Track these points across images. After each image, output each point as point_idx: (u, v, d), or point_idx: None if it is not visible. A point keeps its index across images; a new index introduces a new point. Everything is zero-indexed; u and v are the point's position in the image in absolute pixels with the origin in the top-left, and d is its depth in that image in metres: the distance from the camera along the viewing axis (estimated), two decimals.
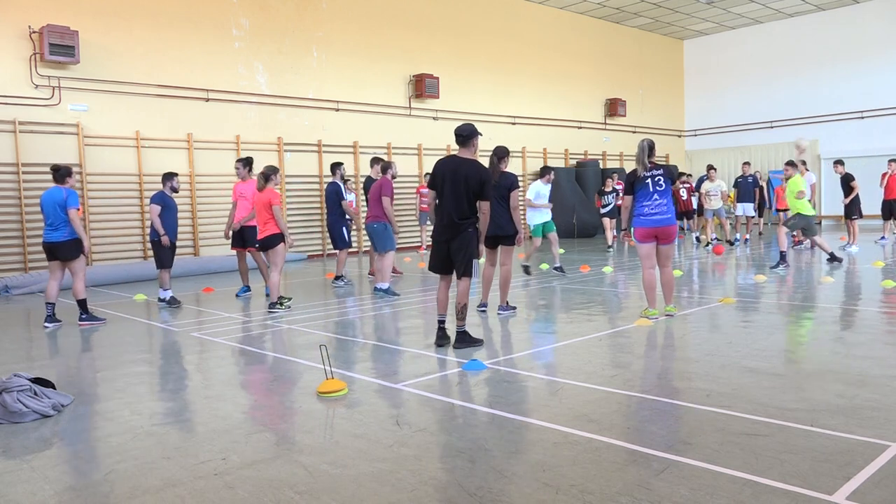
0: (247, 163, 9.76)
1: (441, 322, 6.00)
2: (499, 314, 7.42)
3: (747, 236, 16.10)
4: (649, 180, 6.90)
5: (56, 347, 6.62)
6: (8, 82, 12.10)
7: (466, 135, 5.95)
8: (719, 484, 2.95)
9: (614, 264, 12.21)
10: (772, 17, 23.21)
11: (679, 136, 26.16)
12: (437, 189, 6.00)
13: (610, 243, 15.26)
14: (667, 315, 7.03)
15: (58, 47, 12.09)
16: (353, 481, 3.15)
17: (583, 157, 22.18)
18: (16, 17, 12.12)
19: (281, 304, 8.31)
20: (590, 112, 22.72)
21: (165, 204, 9.03)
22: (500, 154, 7.34)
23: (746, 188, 16.09)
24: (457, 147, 6.07)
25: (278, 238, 8.24)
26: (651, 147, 6.97)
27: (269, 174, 8.35)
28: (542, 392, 4.55)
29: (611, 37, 23.28)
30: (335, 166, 10.67)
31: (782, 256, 10.69)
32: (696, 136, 26.30)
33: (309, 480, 3.18)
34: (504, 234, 7.20)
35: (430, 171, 6.19)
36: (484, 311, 7.56)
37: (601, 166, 21.88)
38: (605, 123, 23.24)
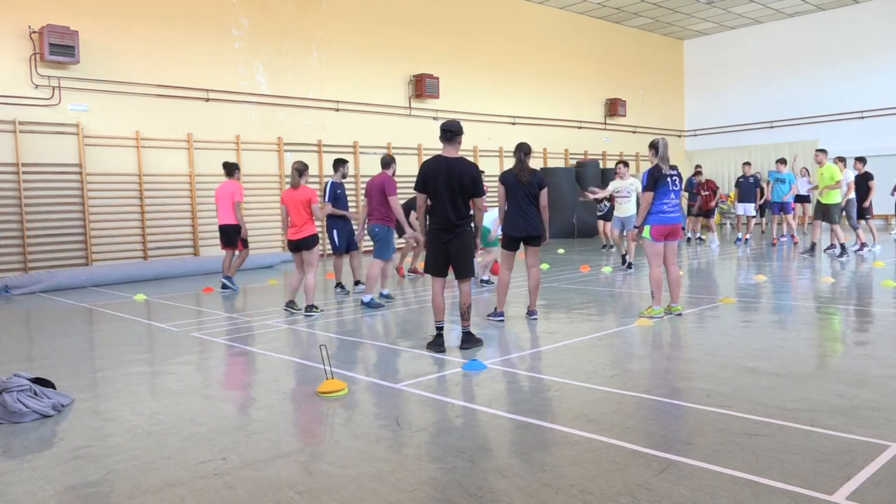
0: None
1: (440, 329, 5.88)
2: (534, 318, 7.11)
3: (748, 236, 16.12)
4: (669, 179, 6.96)
5: (56, 347, 6.61)
6: (8, 82, 12.10)
7: (456, 130, 5.86)
8: (719, 484, 2.95)
9: (613, 263, 12.19)
10: (772, 17, 23.21)
11: (679, 136, 26.15)
12: (429, 192, 5.83)
13: (610, 243, 14.87)
14: (675, 314, 7.06)
15: (58, 47, 12.08)
16: (353, 481, 3.15)
17: (583, 157, 22.17)
18: (16, 17, 12.11)
19: (316, 308, 7.95)
20: (590, 112, 22.72)
21: None
22: (527, 150, 6.96)
23: (747, 188, 16.16)
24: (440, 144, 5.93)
25: (315, 238, 7.97)
26: (667, 145, 7.11)
27: (304, 170, 7.98)
28: (542, 392, 4.55)
29: (611, 37, 23.28)
30: (337, 163, 9.73)
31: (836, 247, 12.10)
32: (696, 136, 26.30)
33: (309, 480, 3.18)
34: (536, 234, 6.96)
35: (418, 173, 5.92)
36: (501, 320, 7.05)
37: (601, 166, 21.87)
38: (605, 123, 23.24)
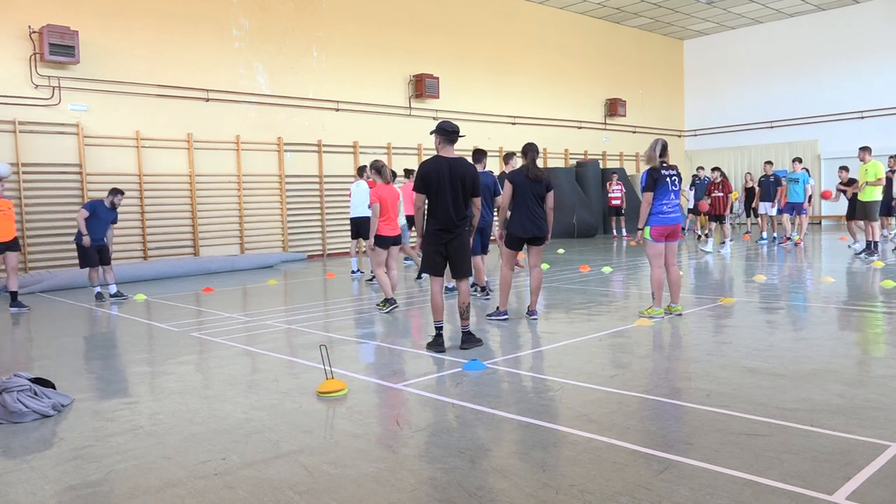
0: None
1: (439, 329, 5.88)
2: (534, 318, 7.13)
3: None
4: (668, 179, 6.96)
5: (57, 347, 6.61)
6: (8, 82, 12.10)
7: (458, 131, 5.87)
8: (719, 484, 2.95)
9: (613, 263, 12.20)
10: (772, 17, 23.22)
11: (679, 136, 26.16)
12: (430, 191, 5.80)
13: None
14: (676, 315, 7.06)
15: (58, 47, 12.08)
16: (353, 481, 3.15)
17: (583, 157, 22.18)
18: (16, 17, 12.11)
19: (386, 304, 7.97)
20: (590, 112, 22.72)
21: (95, 212, 9.78)
22: (537, 150, 6.93)
23: (769, 188, 15.98)
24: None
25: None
26: (666, 145, 7.09)
27: (381, 167, 8.23)
28: (542, 392, 4.54)
29: (611, 37, 23.29)
30: (480, 155, 8.65)
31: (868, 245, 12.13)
32: (695, 136, 26.30)
33: (309, 480, 3.18)
34: (542, 234, 6.97)
35: (418, 173, 5.89)
36: (506, 318, 7.14)
37: (601, 166, 21.88)
38: (605, 123, 23.25)
